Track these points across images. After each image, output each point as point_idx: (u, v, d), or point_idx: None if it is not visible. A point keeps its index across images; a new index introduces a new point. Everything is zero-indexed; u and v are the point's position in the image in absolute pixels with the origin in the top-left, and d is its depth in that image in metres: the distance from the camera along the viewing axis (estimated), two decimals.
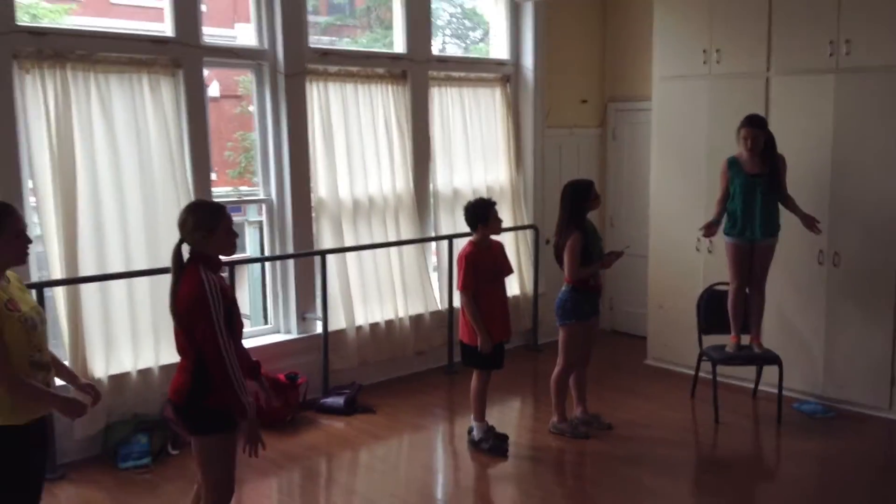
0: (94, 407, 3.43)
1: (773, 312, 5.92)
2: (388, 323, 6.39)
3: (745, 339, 5.63)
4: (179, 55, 5.23)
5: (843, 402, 5.75)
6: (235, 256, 8.58)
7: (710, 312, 5.80)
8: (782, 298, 5.93)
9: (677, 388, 6.21)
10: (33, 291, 4.15)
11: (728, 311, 5.61)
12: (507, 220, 6.72)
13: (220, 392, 3.18)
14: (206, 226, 3.25)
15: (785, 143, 5.53)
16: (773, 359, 5.53)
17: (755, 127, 5.33)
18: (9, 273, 3.09)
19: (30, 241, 3.09)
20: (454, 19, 14.33)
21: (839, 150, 5.61)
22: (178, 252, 3.28)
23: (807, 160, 5.68)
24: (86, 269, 4.88)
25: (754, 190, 5.36)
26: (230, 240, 3.33)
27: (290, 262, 5.96)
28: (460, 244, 5.67)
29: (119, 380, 5.07)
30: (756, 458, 5.26)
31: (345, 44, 13.47)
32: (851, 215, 5.60)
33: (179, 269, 3.26)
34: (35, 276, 4.80)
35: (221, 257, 3.38)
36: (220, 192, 6.18)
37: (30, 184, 4.77)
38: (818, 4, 5.62)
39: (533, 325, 7.36)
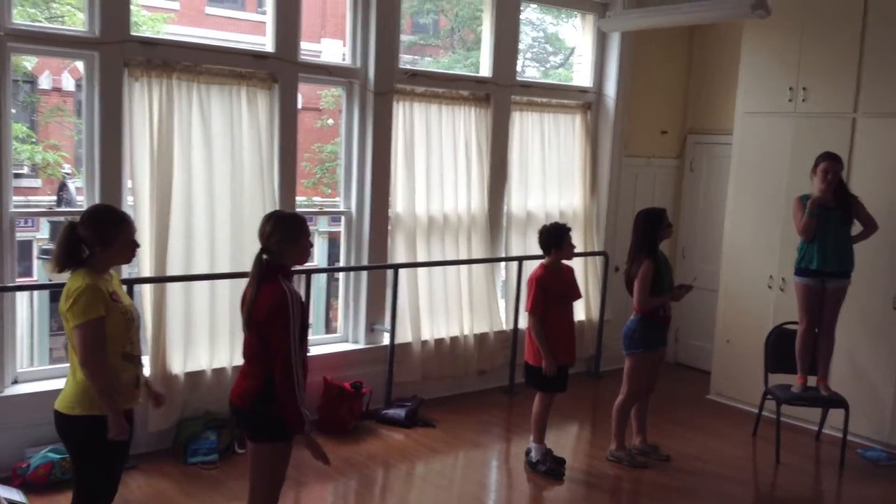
0: (161, 407, 3.62)
1: (843, 355, 5.84)
2: (453, 339, 6.50)
3: (812, 381, 5.57)
4: (277, 70, 5.46)
5: None
6: (313, 265, 8.81)
7: (778, 351, 5.75)
8: (853, 342, 5.84)
9: (739, 425, 6.16)
10: (123, 286, 4.39)
11: (796, 352, 5.57)
12: (578, 245, 6.76)
13: (284, 402, 3.24)
14: (292, 237, 3.32)
15: (867, 185, 5.52)
16: (840, 402, 5.46)
17: (836, 161, 5.31)
18: (111, 270, 3.31)
19: (138, 246, 3.32)
20: (536, 43, 14.47)
21: None
22: (259, 261, 3.33)
23: (887, 202, 5.60)
24: (173, 269, 5.13)
25: (828, 224, 5.33)
26: (309, 250, 3.43)
27: (364, 273, 6.13)
28: (530, 266, 5.76)
29: (194, 377, 5.28)
30: (815, 502, 5.19)
31: (427, 63, 13.75)
32: None
33: (260, 278, 3.32)
34: (125, 273, 5.06)
35: (296, 266, 3.47)
36: (299, 203, 6.40)
37: (129, 183, 5.05)
38: None
39: (596, 351, 7.38)
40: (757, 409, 5.96)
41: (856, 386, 5.77)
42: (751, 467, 5.58)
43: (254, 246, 3.47)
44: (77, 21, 9.00)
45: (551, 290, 5.02)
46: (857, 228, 5.46)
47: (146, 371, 4.82)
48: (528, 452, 5.29)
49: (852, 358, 5.88)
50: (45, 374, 5.03)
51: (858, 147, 5.84)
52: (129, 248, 3.25)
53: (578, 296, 5.29)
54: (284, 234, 3.32)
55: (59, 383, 3.24)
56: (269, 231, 3.33)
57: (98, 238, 3.15)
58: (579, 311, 7.15)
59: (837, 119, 5.97)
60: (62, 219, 7.12)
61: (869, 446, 5.76)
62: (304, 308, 3.35)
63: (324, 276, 9.74)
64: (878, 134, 5.76)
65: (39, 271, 10.67)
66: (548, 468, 5.15)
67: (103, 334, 3.10)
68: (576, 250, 5.26)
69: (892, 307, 5.66)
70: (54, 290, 5.37)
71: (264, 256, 3.34)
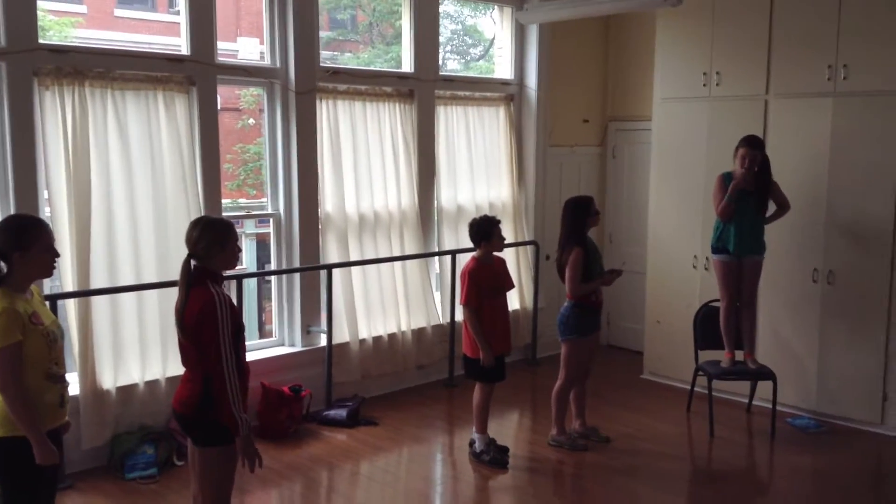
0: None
1: (768, 329, 6.05)
2: (391, 336, 6.50)
3: (740, 355, 5.75)
4: (194, 73, 5.35)
5: (835, 417, 5.88)
6: (243, 269, 8.66)
7: (706, 328, 5.92)
8: (777, 316, 6.06)
9: (673, 403, 6.32)
10: (46, 302, 4.24)
11: (721, 328, 5.74)
12: (508, 235, 6.82)
13: (219, 406, 3.25)
14: (220, 242, 3.33)
15: (782, 163, 5.70)
16: (767, 374, 5.65)
17: (753, 147, 5.48)
18: (31, 286, 3.17)
19: (57, 255, 3.18)
20: (455, 36, 14.50)
21: (835, 171, 5.75)
22: (187, 267, 3.33)
23: (803, 181, 5.82)
24: (97, 281, 4.98)
25: (745, 209, 5.51)
26: (237, 255, 3.43)
27: (297, 275, 6.06)
28: (463, 259, 5.79)
29: (127, 391, 5.15)
30: (750, 472, 5.37)
31: (347, 59, 13.65)
32: (846, 235, 5.73)
33: (188, 284, 3.32)
34: (47, 288, 4.89)
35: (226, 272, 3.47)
36: (225, 205, 6.28)
37: (45, 194, 4.88)
38: (817, 29, 5.77)
39: (532, 339, 7.47)
40: (689, 385, 6.12)
41: (782, 358, 5.98)
42: (686, 443, 5.74)
43: (180, 252, 3.45)
44: None
45: (484, 283, 5.05)
46: (772, 208, 5.67)
47: (74, 388, 4.70)
48: (471, 443, 5.33)
49: (777, 331, 6.09)
50: None
51: (772, 127, 6.04)
52: (48, 256, 3.11)
53: (511, 286, 5.34)
54: (212, 240, 3.32)
55: None
56: (196, 237, 3.33)
57: (15, 243, 3.02)
58: (513, 301, 7.21)
59: (750, 101, 6.16)
60: None
61: (797, 415, 5.98)
62: (235, 311, 3.34)
63: (254, 279, 9.57)
64: (789, 114, 5.96)
65: None
66: (492, 457, 5.19)
67: (20, 359, 2.98)
68: (506, 241, 5.31)
69: (812, 280, 5.89)
70: None
71: (192, 262, 3.34)
